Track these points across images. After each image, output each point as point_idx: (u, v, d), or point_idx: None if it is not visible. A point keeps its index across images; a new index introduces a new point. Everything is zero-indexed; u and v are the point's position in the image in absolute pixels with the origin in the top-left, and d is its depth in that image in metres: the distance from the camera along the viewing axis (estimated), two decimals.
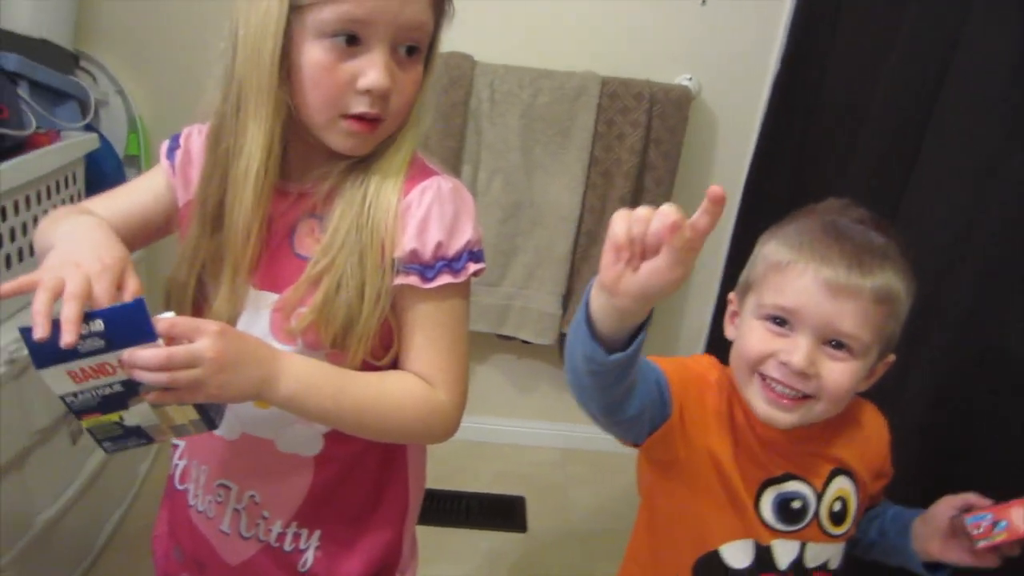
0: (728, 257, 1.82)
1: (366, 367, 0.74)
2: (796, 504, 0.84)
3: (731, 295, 0.86)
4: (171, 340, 0.60)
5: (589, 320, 0.64)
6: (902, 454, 0.92)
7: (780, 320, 0.77)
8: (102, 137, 1.50)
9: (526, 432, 2.13)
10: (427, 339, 0.74)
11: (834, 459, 0.85)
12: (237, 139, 0.70)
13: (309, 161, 0.75)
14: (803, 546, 0.84)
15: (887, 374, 0.83)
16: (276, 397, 0.67)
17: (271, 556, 0.83)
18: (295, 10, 0.66)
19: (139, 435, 0.64)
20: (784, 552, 0.83)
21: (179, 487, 0.86)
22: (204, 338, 0.61)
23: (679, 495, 0.85)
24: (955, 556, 0.82)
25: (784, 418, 0.78)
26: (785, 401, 0.77)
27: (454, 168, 1.72)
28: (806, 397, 0.77)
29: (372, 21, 0.66)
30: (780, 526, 0.83)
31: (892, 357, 0.83)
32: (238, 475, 0.81)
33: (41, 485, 1.35)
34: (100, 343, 0.57)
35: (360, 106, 0.69)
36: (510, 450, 2.13)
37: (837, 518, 0.85)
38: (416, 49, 0.71)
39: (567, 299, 1.85)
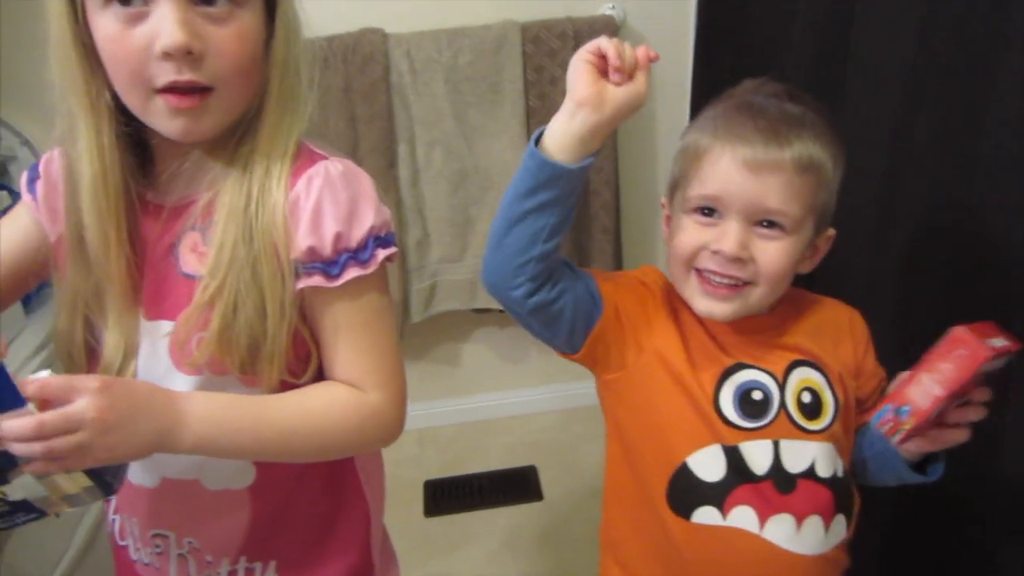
0: None
1: (286, 387, 0.67)
2: (757, 395, 0.79)
3: (663, 199, 0.84)
4: (46, 404, 0.53)
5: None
6: None
7: (708, 210, 0.75)
8: (13, 193, 1.42)
9: (525, 401, 2.09)
10: (347, 342, 0.68)
11: (792, 348, 0.81)
12: (74, 149, 0.63)
13: (178, 169, 0.66)
14: (776, 445, 0.77)
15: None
16: (181, 447, 0.61)
17: None
18: None
19: (27, 510, 0.58)
20: (757, 454, 0.77)
21: (120, 543, 0.79)
22: (82, 398, 0.54)
23: (640, 410, 0.82)
24: (915, 445, 0.75)
25: (723, 308, 0.76)
26: (723, 291, 0.75)
27: (388, 148, 1.65)
28: (744, 284, 0.75)
29: None
30: (745, 423, 0.78)
31: (832, 232, 0.80)
32: (171, 522, 0.75)
33: (27, 564, 1.30)
34: None
35: (165, 75, 0.59)
36: (514, 422, 2.09)
37: (809, 410, 0.79)
38: None
39: None
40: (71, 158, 0.64)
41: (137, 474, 0.72)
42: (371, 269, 0.66)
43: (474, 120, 1.67)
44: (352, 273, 0.65)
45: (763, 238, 0.74)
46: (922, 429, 0.71)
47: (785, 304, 0.83)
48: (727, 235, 0.73)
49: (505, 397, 2.10)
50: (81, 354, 0.68)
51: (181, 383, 0.66)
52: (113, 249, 0.64)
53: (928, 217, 1.03)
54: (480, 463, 1.94)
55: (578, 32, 1.61)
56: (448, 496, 1.85)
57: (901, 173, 1.05)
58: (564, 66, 1.56)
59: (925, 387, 0.67)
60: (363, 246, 0.66)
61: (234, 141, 0.66)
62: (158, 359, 0.67)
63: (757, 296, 0.76)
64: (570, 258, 1.72)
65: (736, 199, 0.73)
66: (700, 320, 0.80)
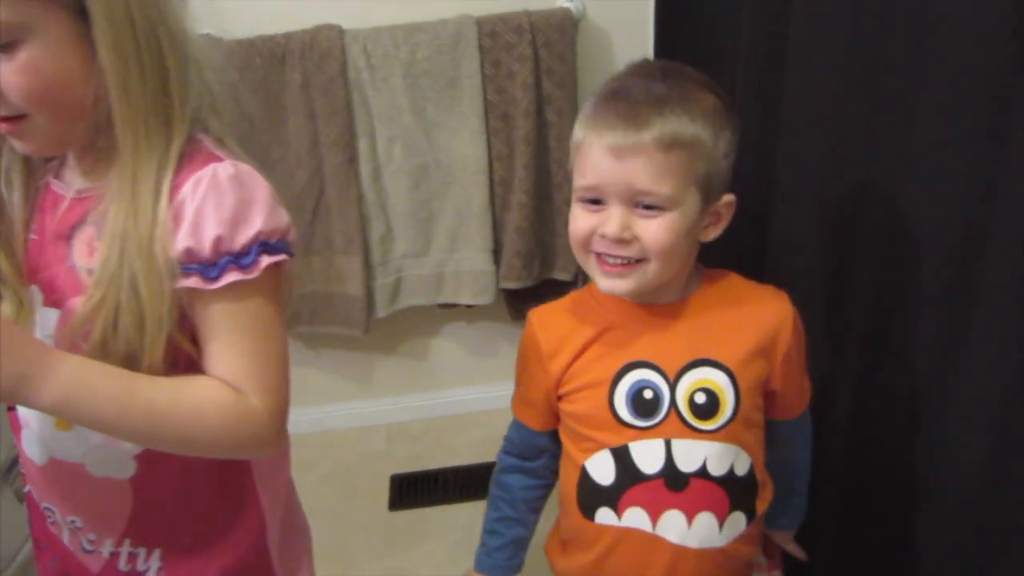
0: None
1: None
2: (648, 394, 0.82)
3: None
4: None
5: None
6: None
7: (594, 199, 0.79)
8: None
9: (494, 396, 2.08)
10: (227, 344, 0.67)
11: (696, 346, 0.83)
12: None
13: (76, 163, 0.69)
14: (668, 444, 0.81)
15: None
16: (40, 400, 0.60)
17: (115, 570, 0.78)
18: None
19: None
20: (647, 454, 0.81)
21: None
22: None
23: (563, 422, 0.90)
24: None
25: (622, 284, 0.80)
26: (618, 269, 0.79)
27: (348, 144, 1.65)
28: (637, 261, 0.79)
29: None
30: (637, 421, 0.82)
31: (730, 197, 0.83)
32: (56, 500, 0.77)
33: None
34: None
35: None
36: (483, 417, 2.09)
37: (703, 410, 0.81)
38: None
39: (497, 253, 1.79)
40: None
41: (30, 449, 0.75)
42: (253, 274, 0.65)
43: (433, 115, 1.67)
44: (231, 277, 0.65)
45: (644, 217, 0.77)
46: None
47: (708, 292, 0.86)
48: (610, 219, 0.77)
49: (474, 392, 2.10)
50: None
51: None
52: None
53: (861, 207, 1.03)
54: (448, 458, 1.95)
55: (534, 25, 1.60)
56: (413, 491, 1.85)
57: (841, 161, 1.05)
58: (521, 60, 1.61)
59: None
60: (246, 251, 0.65)
61: (110, 149, 0.66)
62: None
63: (654, 270, 0.79)
64: (535, 255, 1.74)
65: (610, 186, 0.77)
66: (613, 313, 0.85)
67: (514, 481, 1.00)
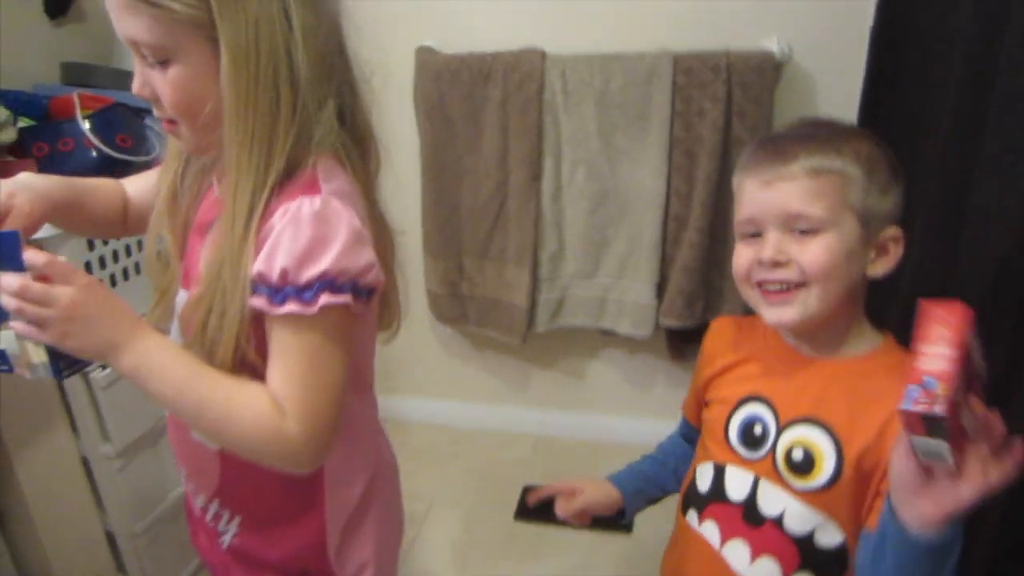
0: None
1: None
2: (757, 429, 0.85)
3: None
4: (46, 279, 0.67)
5: None
6: None
7: (751, 233, 0.83)
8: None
9: (644, 430, 2.05)
10: (280, 366, 0.71)
11: (819, 405, 0.82)
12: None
13: (220, 171, 0.78)
14: (756, 481, 0.84)
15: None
16: (118, 366, 0.70)
17: (207, 529, 0.88)
18: None
19: (3, 360, 0.72)
20: (736, 481, 0.86)
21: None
22: (68, 286, 0.67)
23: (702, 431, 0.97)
24: (949, 497, 0.63)
25: (787, 312, 0.81)
26: (779, 296, 0.81)
27: (535, 162, 1.74)
28: (797, 286, 0.80)
29: (125, 42, 0.71)
30: (741, 449, 0.86)
31: (894, 230, 0.82)
32: (175, 445, 0.88)
33: (173, 463, 1.55)
34: None
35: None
36: (629, 449, 2.06)
37: (797, 466, 0.81)
38: (151, 56, 0.70)
39: (661, 289, 1.78)
40: None
41: None
42: (311, 311, 0.68)
43: (619, 144, 1.70)
44: (291, 307, 0.68)
45: (799, 241, 0.79)
46: (958, 398, 0.60)
47: (869, 362, 0.82)
48: (766, 243, 0.80)
49: (625, 422, 2.09)
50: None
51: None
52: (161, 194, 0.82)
53: None
54: None
55: (731, 66, 1.57)
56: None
57: None
58: (713, 99, 1.60)
59: (933, 356, 0.61)
60: (308, 287, 0.68)
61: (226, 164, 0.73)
62: (175, 320, 0.81)
63: (816, 294, 0.79)
64: (700, 296, 1.71)
65: (765, 214, 0.81)
66: (768, 348, 0.89)
67: (673, 439, 1.14)
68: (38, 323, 0.67)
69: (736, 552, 0.84)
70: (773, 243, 0.79)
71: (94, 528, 1.56)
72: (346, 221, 0.70)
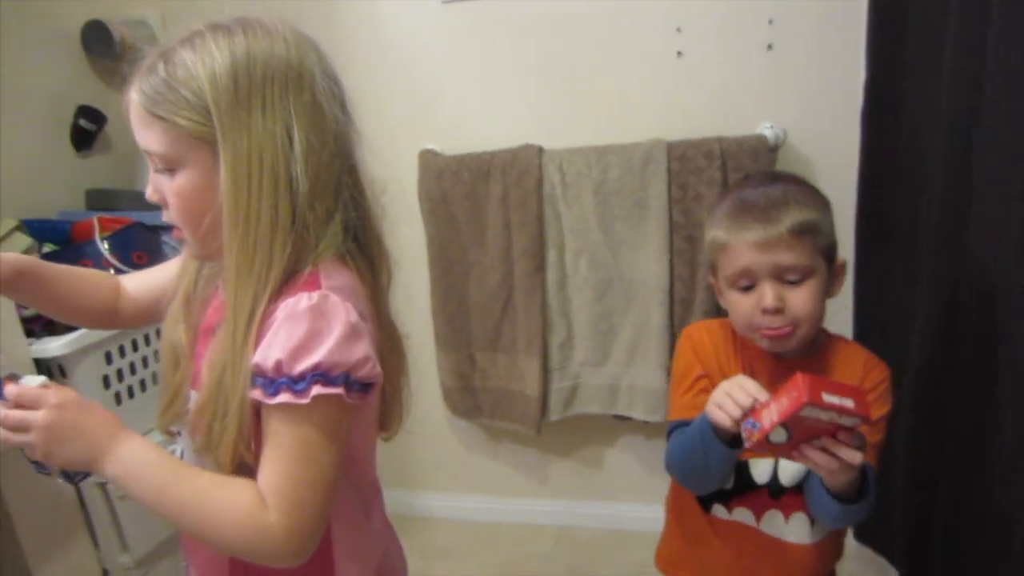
0: (855, 288, 1.63)
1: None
2: None
3: (710, 279, 1.10)
4: (20, 405, 0.72)
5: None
6: None
7: (745, 286, 0.99)
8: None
9: (663, 518, 2.00)
10: (269, 458, 0.72)
11: None
12: None
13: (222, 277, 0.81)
14: (776, 464, 1.03)
15: None
16: (103, 475, 0.73)
17: None
18: None
19: (41, 465, 0.76)
20: (759, 468, 1.04)
21: None
22: (42, 409, 0.71)
23: None
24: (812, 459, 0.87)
25: (785, 345, 0.99)
26: (780, 336, 0.98)
27: (537, 253, 1.76)
28: (793, 327, 0.97)
29: (142, 151, 0.76)
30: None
31: (842, 259, 1.02)
32: (183, 541, 0.89)
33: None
34: None
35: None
36: (650, 538, 2.00)
37: None
38: (165, 166, 0.74)
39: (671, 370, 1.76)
40: None
41: None
42: (303, 400, 0.69)
43: (620, 232, 1.72)
44: (284, 398, 0.69)
45: (791, 288, 0.97)
46: (763, 445, 0.86)
47: (829, 352, 1.05)
48: (765, 294, 0.96)
49: (646, 509, 2.03)
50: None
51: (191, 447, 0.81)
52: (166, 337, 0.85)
53: None
54: (607, 572, 1.89)
55: (725, 151, 1.60)
56: None
57: None
58: (709, 184, 1.62)
59: (770, 412, 0.84)
60: (301, 378, 0.69)
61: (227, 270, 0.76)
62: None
63: (805, 330, 0.98)
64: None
65: (759, 268, 0.97)
66: (746, 360, 1.05)
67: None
68: (21, 446, 0.72)
69: (772, 521, 1.05)
70: (772, 291, 0.96)
71: None
72: (343, 315, 0.72)
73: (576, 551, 2.01)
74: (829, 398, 0.80)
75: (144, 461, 0.73)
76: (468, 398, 1.97)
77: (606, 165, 1.69)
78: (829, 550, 1.09)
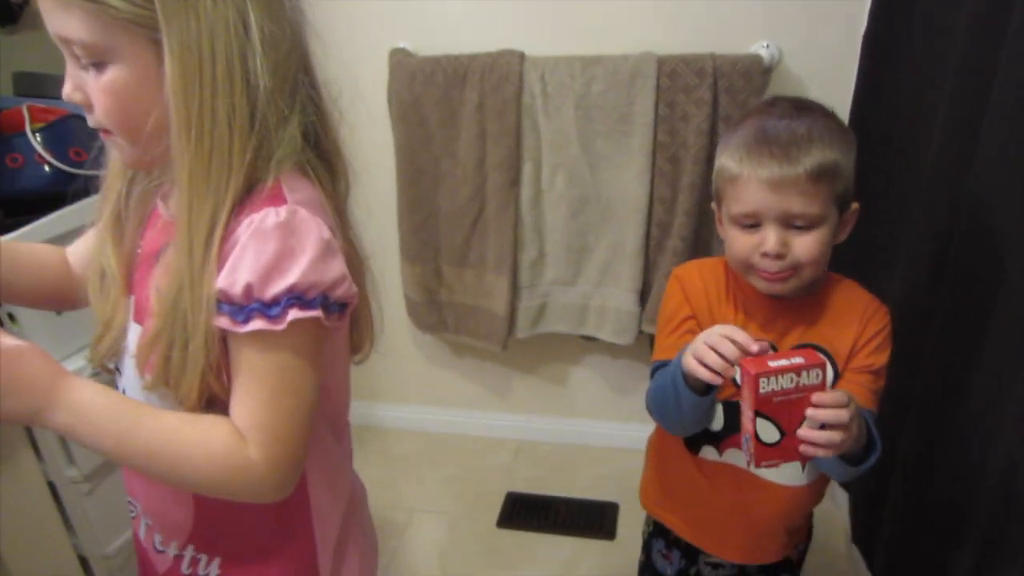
0: None
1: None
2: None
3: (712, 204, 1.02)
4: None
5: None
6: None
7: (751, 224, 0.92)
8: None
9: (625, 435, 2.04)
10: (244, 390, 0.67)
11: (809, 331, 0.97)
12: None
13: (171, 190, 0.72)
14: None
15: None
16: (51, 426, 0.65)
17: (179, 572, 0.82)
18: None
19: None
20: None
21: None
22: None
23: None
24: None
25: (782, 288, 0.94)
26: (778, 278, 0.93)
27: (513, 166, 1.68)
28: (793, 269, 0.92)
29: (55, 40, 0.65)
30: None
31: (855, 206, 0.95)
32: (136, 495, 0.82)
33: None
34: None
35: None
36: (609, 453, 2.05)
37: None
38: (86, 56, 0.64)
39: (644, 295, 1.74)
40: None
41: None
42: (279, 326, 0.64)
43: (600, 149, 1.64)
44: (257, 324, 0.64)
45: (797, 234, 0.91)
46: (768, 454, 0.83)
47: (829, 291, 1.00)
48: (768, 238, 0.90)
49: (605, 427, 2.06)
50: None
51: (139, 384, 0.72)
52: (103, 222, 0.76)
53: None
54: (565, 487, 1.93)
55: (718, 69, 1.52)
56: (524, 513, 1.86)
57: None
58: (699, 103, 1.54)
59: (744, 415, 0.83)
60: (275, 302, 0.64)
61: (176, 184, 0.67)
62: (127, 362, 0.74)
63: (807, 274, 0.93)
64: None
65: (768, 211, 0.90)
66: (740, 300, 1.00)
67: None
68: None
69: None
70: (776, 237, 0.90)
71: (66, 552, 1.52)
72: (315, 231, 0.66)
73: (535, 464, 2.04)
74: (776, 363, 0.80)
75: (96, 407, 0.65)
76: (433, 312, 1.92)
77: (591, 77, 1.59)
78: (819, 489, 1.08)
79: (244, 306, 0.64)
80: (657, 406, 0.99)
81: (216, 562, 0.80)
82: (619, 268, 1.73)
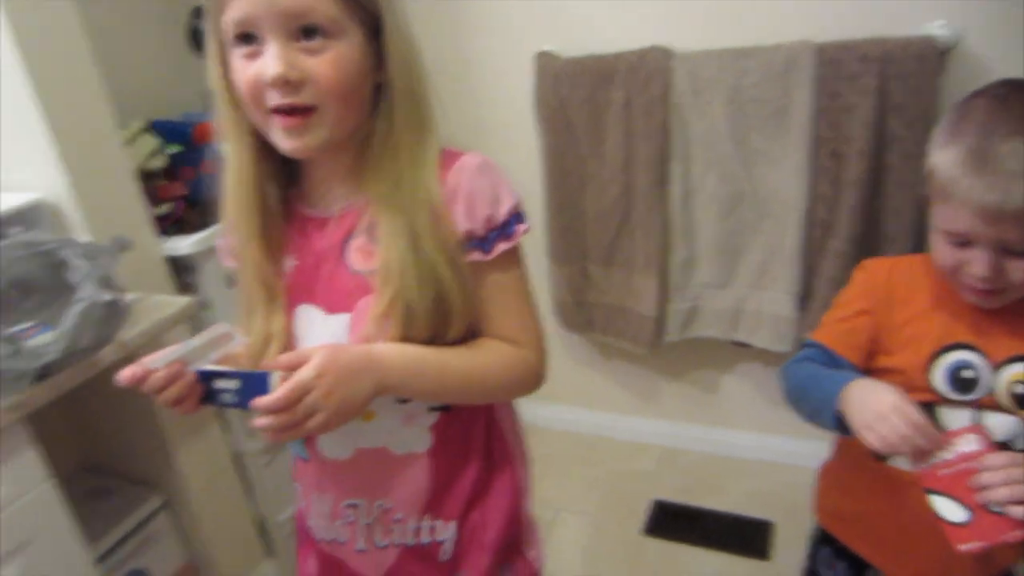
0: None
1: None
2: (967, 373, 0.88)
3: (926, 193, 0.93)
4: (291, 403, 0.67)
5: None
6: None
7: (959, 242, 0.85)
8: None
9: (780, 449, 1.92)
10: (502, 307, 0.79)
11: (1020, 343, 0.88)
12: (228, 165, 0.78)
13: (332, 185, 0.79)
14: (979, 413, 0.88)
15: None
16: (388, 393, 0.74)
17: (411, 555, 0.87)
18: (223, 40, 0.72)
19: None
20: (952, 418, 0.88)
21: (306, 524, 0.93)
22: (312, 391, 0.67)
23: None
24: None
25: (990, 303, 0.87)
26: (986, 295, 0.86)
27: (661, 166, 1.64)
28: (1004, 290, 0.85)
29: (253, 17, 0.68)
30: (951, 393, 0.88)
31: None
32: (364, 489, 0.85)
33: None
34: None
35: (273, 99, 0.69)
36: (762, 467, 1.94)
37: (1021, 400, 0.86)
38: (316, 31, 0.69)
39: (804, 299, 1.63)
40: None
41: (333, 450, 0.84)
42: (514, 241, 0.78)
43: (755, 144, 1.57)
44: (501, 247, 0.77)
45: (1013, 258, 0.82)
46: (957, 530, 0.77)
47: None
48: (979, 261, 0.83)
49: (758, 440, 1.95)
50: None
51: None
52: (249, 244, 0.78)
53: None
54: (712, 499, 1.85)
55: (887, 54, 1.39)
56: (671, 522, 1.81)
57: None
58: (863, 93, 1.43)
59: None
60: (507, 223, 0.77)
61: (373, 158, 0.75)
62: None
63: (1013, 294, 0.86)
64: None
65: (980, 237, 0.82)
66: (946, 301, 0.91)
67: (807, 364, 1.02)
68: (317, 427, 0.68)
69: None
70: (988, 264, 0.82)
71: (245, 516, 1.69)
72: (497, 165, 0.79)
73: (679, 472, 1.97)
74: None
75: (408, 359, 0.75)
76: (581, 312, 1.92)
77: (743, 69, 1.52)
78: None
79: (486, 237, 0.76)
80: (792, 395, 0.96)
81: (452, 525, 0.86)
82: (776, 270, 1.64)
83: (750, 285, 1.69)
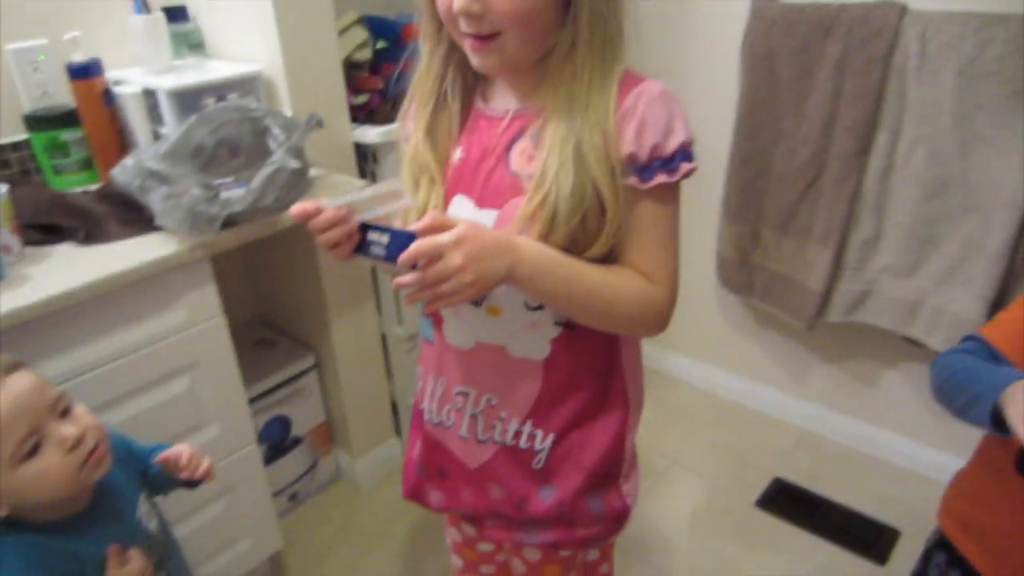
0: None
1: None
2: None
3: None
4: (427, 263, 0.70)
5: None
6: None
7: None
8: None
9: (930, 461, 1.78)
10: (646, 239, 0.79)
11: None
12: (420, 64, 0.85)
13: (510, 88, 0.83)
14: None
15: None
16: (517, 279, 0.74)
17: (507, 455, 0.90)
18: None
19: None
20: None
21: (419, 407, 0.99)
22: (447, 254, 0.69)
23: None
24: None
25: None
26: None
27: (866, 134, 1.51)
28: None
29: None
30: None
31: None
32: (476, 380, 0.89)
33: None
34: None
35: (462, 27, 0.75)
36: (906, 475, 1.81)
37: None
38: None
39: (995, 305, 1.46)
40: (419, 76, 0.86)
41: (456, 337, 0.89)
42: (676, 178, 0.77)
43: (979, 126, 1.40)
44: (660, 179, 0.76)
45: None
46: None
47: None
48: None
49: (906, 444, 1.81)
50: None
51: None
52: (419, 133, 0.85)
53: None
54: (842, 493, 1.76)
55: None
56: (787, 502, 1.74)
57: None
58: None
59: None
60: (673, 157, 0.76)
61: (553, 71, 0.77)
62: None
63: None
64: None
65: None
66: None
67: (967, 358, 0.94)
68: (453, 291, 0.71)
69: None
70: None
71: (383, 393, 1.83)
72: (678, 97, 0.78)
73: (814, 458, 1.88)
74: None
75: (546, 257, 0.76)
76: (743, 273, 1.84)
77: (986, 39, 1.34)
78: None
79: (648, 165, 0.76)
80: (946, 385, 0.89)
81: (551, 437, 0.88)
82: (972, 268, 1.48)
83: (938, 280, 1.54)
